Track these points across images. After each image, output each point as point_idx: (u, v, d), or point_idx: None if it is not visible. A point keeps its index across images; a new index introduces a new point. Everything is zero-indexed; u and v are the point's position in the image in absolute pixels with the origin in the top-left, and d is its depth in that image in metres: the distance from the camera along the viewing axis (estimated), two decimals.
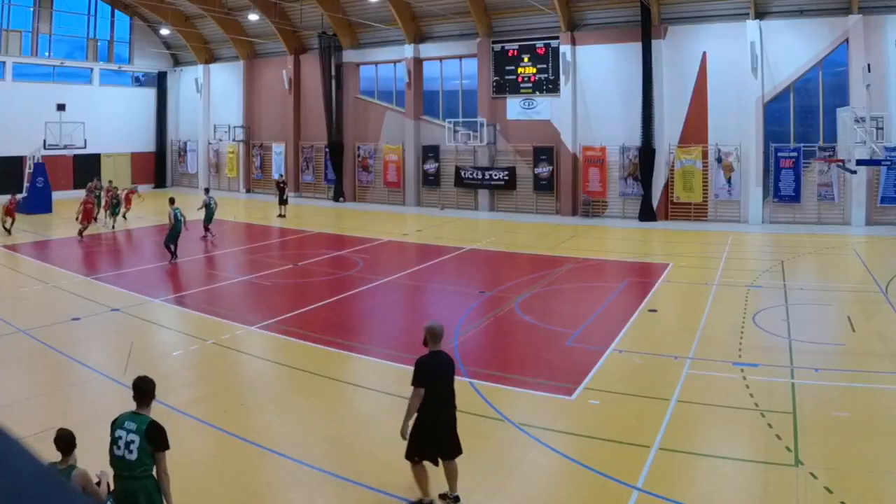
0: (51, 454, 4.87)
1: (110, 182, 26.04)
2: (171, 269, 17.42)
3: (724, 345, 10.62)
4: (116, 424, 5.08)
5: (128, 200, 25.30)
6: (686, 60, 24.34)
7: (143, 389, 5.19)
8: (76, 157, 33.58)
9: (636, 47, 24.57)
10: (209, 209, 21.19)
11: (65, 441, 4.99)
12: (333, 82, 31.71)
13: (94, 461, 5.32)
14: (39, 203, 27.60)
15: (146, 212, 26.00)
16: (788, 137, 23.32)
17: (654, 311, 12.88)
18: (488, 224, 25.33)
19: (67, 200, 31.51)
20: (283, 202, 26.53)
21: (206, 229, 21.06)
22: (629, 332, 11.46)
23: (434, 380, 5.99)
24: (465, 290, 15.11)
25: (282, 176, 30.49)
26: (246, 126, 36.00)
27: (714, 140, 24.10)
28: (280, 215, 26.14)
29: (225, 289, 15.29)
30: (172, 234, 17.70)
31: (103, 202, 24.31)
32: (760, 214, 23.57)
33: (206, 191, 23.18)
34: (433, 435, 6.00)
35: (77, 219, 21.49)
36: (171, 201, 18.34)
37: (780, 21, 23.07)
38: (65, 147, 29.95)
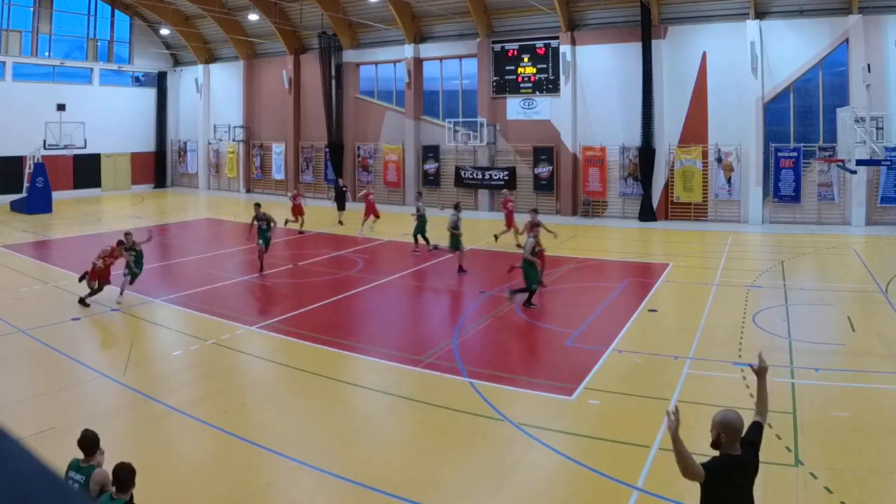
0: (50, 454, 4.87)
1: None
2: (171, 269, 17.41)
3: (724, 345, 10.61)
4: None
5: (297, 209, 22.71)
6: (686, 60, 24.34)
7: (122, 478, 4.77)
8: (76, 157, 33.61)
9: (636, 47, 24.56)
10: (422, 219, 18.98)
11: (87, 442, 5.11)
12: (333, 82, 31.70)
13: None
14: (39, 203, 27.58)
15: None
16: (788, 137, 23.30)
17: (654, 311, 12.88)
18: (488, 224, 25.31)
19: (67, 200, 31.58)
20: (342, 208, 24.78)
21: (417, 240, 18.97)
22: (629, 332, 11.46)
23: (727, 490, 4.20)
24: (465, 290, 15.11)
25: (340, 180, 28.29)
26: (246, 126, 36.00)
27: (714, 140, 24.09)
28: (340, 222, 24.27)
29: (225, 289, 15.28)
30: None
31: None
32: (760, 214, 23.56)
33: (419, 195, 21.31)
34: None
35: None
36: (457, 206, 17.68)
37: (780, 21, 23.06)
38: (65, 147, 29.97)
